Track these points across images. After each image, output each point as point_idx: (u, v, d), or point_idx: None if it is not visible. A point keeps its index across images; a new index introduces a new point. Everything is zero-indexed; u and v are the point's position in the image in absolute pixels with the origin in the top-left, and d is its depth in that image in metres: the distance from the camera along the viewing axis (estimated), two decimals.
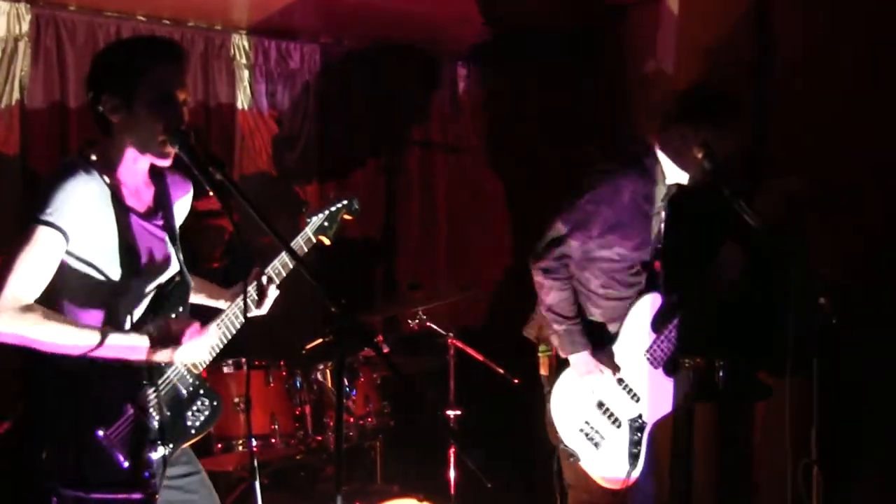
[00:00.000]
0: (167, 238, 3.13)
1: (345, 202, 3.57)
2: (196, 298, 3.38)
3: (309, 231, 3.45)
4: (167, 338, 2.97)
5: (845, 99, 4.59)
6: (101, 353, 2.86)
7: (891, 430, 4.37)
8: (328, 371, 4.78)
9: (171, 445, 3.06)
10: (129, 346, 2.91)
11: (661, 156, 4.05)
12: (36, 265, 2.84)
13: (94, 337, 2.85)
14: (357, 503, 4.41)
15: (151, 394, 3.03)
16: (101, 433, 2.90)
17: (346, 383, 4.74)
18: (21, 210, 5.14)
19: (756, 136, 4.96)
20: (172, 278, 3.13)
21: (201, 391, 3.20)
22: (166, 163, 3.03)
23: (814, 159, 4.65)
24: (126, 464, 2.92)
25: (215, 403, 3.21)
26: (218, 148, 5.92)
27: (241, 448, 4.41)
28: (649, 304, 4.13)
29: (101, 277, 2.95)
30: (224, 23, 5.96)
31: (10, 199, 5.20)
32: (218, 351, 3.19)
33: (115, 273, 2.96)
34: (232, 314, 3.20)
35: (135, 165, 3.05)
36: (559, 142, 6.33)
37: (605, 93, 6.09)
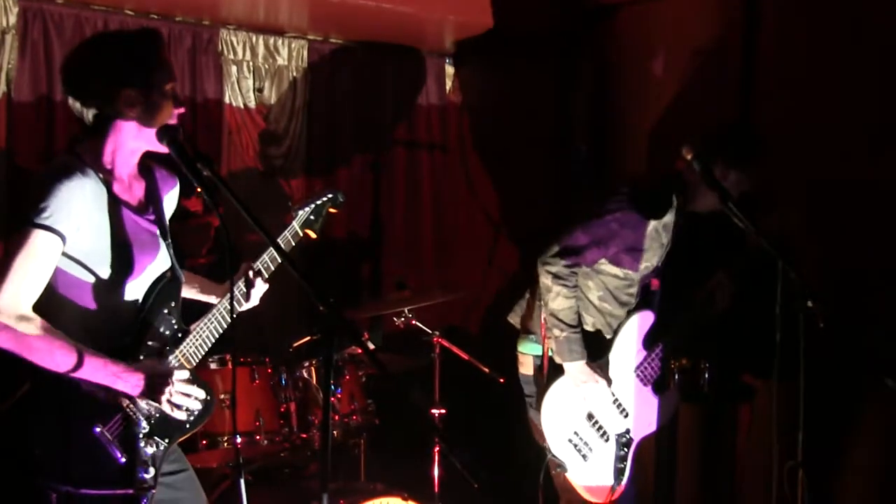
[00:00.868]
0: (158, 233, 3.12)
1: (330, 195, 3.57)
2: (187, 293, 3.38)
3: (296, 225, 3.45)
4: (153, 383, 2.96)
5: (832, 100, 4.61)
6: (87, 376, 2.84)
7: (875, 432, 4.39)
8: (313, 368, 4.77)
9: (166, 441, 3.06)
10: (115, 376, 2.89)
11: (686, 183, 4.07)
12: (32, 270, 2.80)
13: (83, 360, 2.82)
14: (341, 501, 4.40)
15: None
16: (98, 429, 2.89)
17: (332, 381, 4.73)
18: (5, 204, 5.17)
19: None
20: (164, 274, 3.12)
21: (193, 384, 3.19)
22: (165, 149, 2.99)
23: (801, 159, 4.68)
24: (123, 459, 2.91)
25: (208, 398, 3.20)
26: (205, 143, 5.90)
27: (225, 444, 4.39)
28: (642, 321, 4.15)
29: (94, 276, 2.93)
30: (212, 18, 5.94)
31: None
32: (210, 345, 3.18)
33: (107, 271, 2.95)
34: (223, 308, 3.20)
35: (129, 160, 3.04)
36: (546, 141, 6.33)
37: (593, 93, 6.10)
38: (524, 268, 4.28)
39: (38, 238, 2.79)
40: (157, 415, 3.05)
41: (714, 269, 4.25)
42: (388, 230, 6.80)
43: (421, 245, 6.93)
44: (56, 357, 2.80)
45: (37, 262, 2.80)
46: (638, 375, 4.16)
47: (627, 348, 4.16)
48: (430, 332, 4.97)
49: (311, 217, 3.49)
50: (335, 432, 4.73)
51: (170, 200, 3.28)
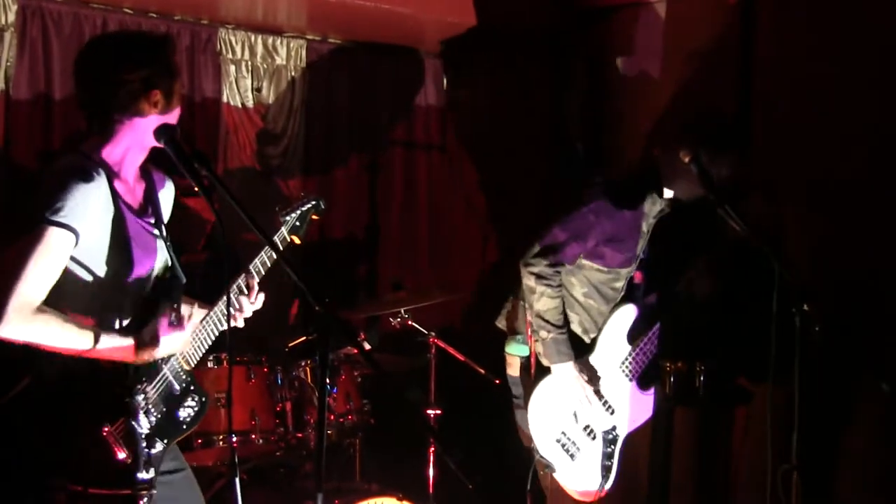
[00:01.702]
0: (158, 234, 3.13)
1: (313, 202, 3.60)
2: None
3: (284, 230, 3.47)
4: (150, 338, 2.99)
5: (828, 103, 4.62)
6: (97, 354, 2.87)
7: (869, 435, 4.39)
8: (309, 368, 4.77)
9: (165, 441, 3.08)
10: (118, 347, 2.93)
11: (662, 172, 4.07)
12: (47, 267, 2.81)
13: (91, 338, 2.86)
14: (336, 501, 4.40)
15: (150, 389, 3.05)
16: (106, 429, 2.90)
17: (328, 381, 4.72)
18: (2, 201, 5.16)
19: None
20: (164, 274, 3.13)
21: (192, 387, 3.24)
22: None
23: (798, 161, 4.68)
24: (127, 459, 2.92)
25: (203, 399, 3.25)
26: (202, 142, 5.90)
27: (221, 443, 4.40)
28: (625, 315, 4.14)
29: (99, 275, 2.95)
30: (211, 17, 5.94)
31: None
32: (207, 347, 3.20)
33: (109, 271, 2.96)
34: (220, 309, 3.21)
35: (137, 160, 3.06)
36: (542, 142, 6.34)
37: (589, 94, 6.11)
38: (510, 269, 4.27)
39: (53, 235, 2.80)
40: (159, 416, 3.07)
41: (697, 253, 4.25)
42: (385, 230, 6.80)
43: (417, 245, 6.92)
44: (73, 338, 2.84)
45: (52, 260, 2.82)
46: (623, 371, 4.14)
47: (612, 344, 4.14)
48: (426, 332, 4.98)
49: (297, 223, 3.52)
50: (330, 432, 4.74)
51: (166, 203, 3.29)
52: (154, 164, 3.22)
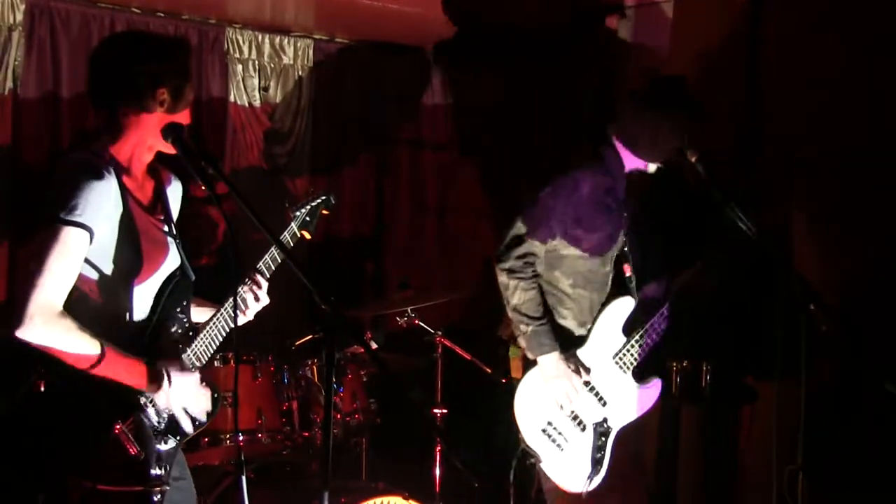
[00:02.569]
0: (168, 232, 3.14)
1: (323, 197, 3.62)
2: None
3: (294, 225, 3.49)
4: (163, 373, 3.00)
5: (837, 98, 4.61)
6: (113, 375, 2.88)
7: (876, 436, 4.39)
8: (315, 367, 4.78)
9: (177, 438, 3.09)
10: (132, 372, 2.93)
11: (619, 146, 4.04)
12: (66, 267, 2.82)
13: (116, 359, 2.88)
14: (342, 500, 4.40)
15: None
16: (118, 426, 2.90)
17: (334, 380, 4.73)
18: (11, 200, 5.18)
19: (750, 136, 4.99)
20: (175, 273, 3.13)
21: (203, 384, 3.22)
22: (173, 150, 3.05)
23: (806, 158, 4.68)
24: (140, 456, 2.93)
25: (215, 396, 3.25)
26: (210, 141, 5.91)
27: (227, 442, 4.40)
28: (621, 307, 4.10)
29: (103, 273, 2.95)
30: (218, 17, 5.96)
31: (2, 188, 5.19)
32: (217, 344, 3.21)
33: (119, 269, 2.96)
34: (230, 307, 3.22)
35: (144, 157, 3.07)
36: (551, 140, 6.33)
37: (598, 92, 6.10)
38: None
39: (70, 235, 2.80)
40: (169, 413, 3.08)
41: (684, 247, 4.21)
42: (392, 229, 6.81)
43: (425, 244, 6.93)
44: (88, 355, 2.82)
45: (70, 260, 2.82)
46: (617, 363, 4.09)
47: (606, 336, 4.09)
48: (432, 331, 4.98)
49: (308, 218, 3.54)
50: (336, 431, 4.74)
51: (174, 201, 3.30)
52: (162, 163, 3.23)
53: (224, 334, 3.23)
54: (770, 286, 4.43)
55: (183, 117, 3.08)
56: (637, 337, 4.04)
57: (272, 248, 3.31)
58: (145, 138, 3.03)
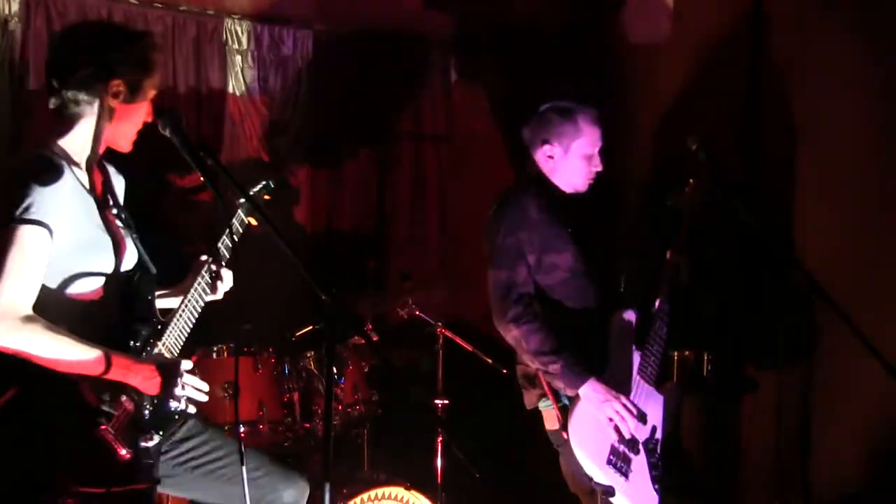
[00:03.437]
0: (124, 226, 3.11)
1: (264, 183, 3.67)
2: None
3: (242, 213, 3.47)
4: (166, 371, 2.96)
5: (838, 98, 4.60)
6: (97, 372, 2.82)
7: (876, 423, 4.38)
8: (316, 358, 4.77)
9: (161, 433, 3.04)
10: (126, 369, 2.87)
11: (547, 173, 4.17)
12: (27, 269, 2.75)
13: (94, 355, 2.80)
14: (344, 491, 4.40)
15: None
16: (103, 426, 2.86)
17: (335, 371, 4.73)
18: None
19: (750, 135, 4.98)
20: (136, 267, 3.10)
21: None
22: (128, 148, 3.05)
23: (808, 158, 4.68)
24: (128, 455, 2.88)
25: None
26: (208, 133, 5.89)
27: (228, 434, 4.39)
28: (627, 321, 4.07)
29: (76, 270, 2.90)
30: (217, 7, 5.93)
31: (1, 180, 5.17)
32: (187, 335, 3.18)
33: (85, 265, 2.92)
34: (195, 295, 3.20)
35: (97, 152, 3.03)
36: None
37: (599, 86, 6.09)
38: None
39: (26, 234, 2.74)
40: (151, 408, 2.99)
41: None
42: (393, 222, 6.79)
43: (426, 237, 6.91)
44: (66, 355, 2.76)
45: (30, 260, 2.75)
46: (642, 376, 4.04)
47: (624, 352, 4.04)
48: (433, 322, 4.97)
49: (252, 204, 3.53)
50: (338, 422, 4.73)
51: (121, 196, 3.25)
52: (110, 161, 3.19)
53: (192, 324, 3.19)
54: (772, 276, 4.42)
55: (140, 111, 3.02)
56: (649, 347, 4.02)
57: (222, 238, 3.31)
58: (98, 130, 2.98)
